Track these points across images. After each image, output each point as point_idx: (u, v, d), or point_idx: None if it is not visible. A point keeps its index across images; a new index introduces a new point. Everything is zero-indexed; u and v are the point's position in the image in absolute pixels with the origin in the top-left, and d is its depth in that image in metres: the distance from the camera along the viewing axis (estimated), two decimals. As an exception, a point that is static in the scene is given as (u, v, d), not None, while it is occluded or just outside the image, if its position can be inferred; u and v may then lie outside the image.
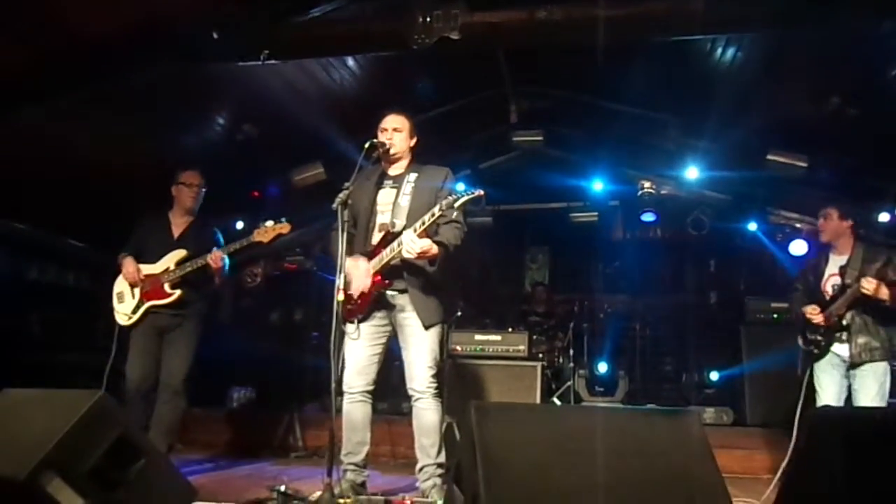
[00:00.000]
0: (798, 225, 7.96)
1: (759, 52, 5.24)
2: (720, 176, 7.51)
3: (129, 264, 4.41)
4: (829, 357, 4.33)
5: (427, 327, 3.68)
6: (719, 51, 5.31)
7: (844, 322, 4.22)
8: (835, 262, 4.40)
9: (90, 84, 4.88)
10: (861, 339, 4.18)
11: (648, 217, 8.23)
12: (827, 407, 4.16)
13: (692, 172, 7.33)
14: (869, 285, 4.02)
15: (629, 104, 6.56)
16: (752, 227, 7.96)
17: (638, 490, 2.17)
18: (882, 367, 4.17)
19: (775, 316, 6.50)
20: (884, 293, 4.02)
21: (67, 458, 2.39)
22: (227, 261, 4.43)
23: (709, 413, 6.30)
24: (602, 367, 7.22)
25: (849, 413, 2.10)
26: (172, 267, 4.38)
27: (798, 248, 7.59)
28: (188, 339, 4.43)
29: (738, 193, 7.91)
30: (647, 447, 2.29)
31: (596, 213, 8.37)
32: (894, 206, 4.17)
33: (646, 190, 7.95)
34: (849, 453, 1.71)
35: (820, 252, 4.56)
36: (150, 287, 4.37)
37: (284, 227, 4.27)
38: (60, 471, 2.35)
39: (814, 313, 4.31)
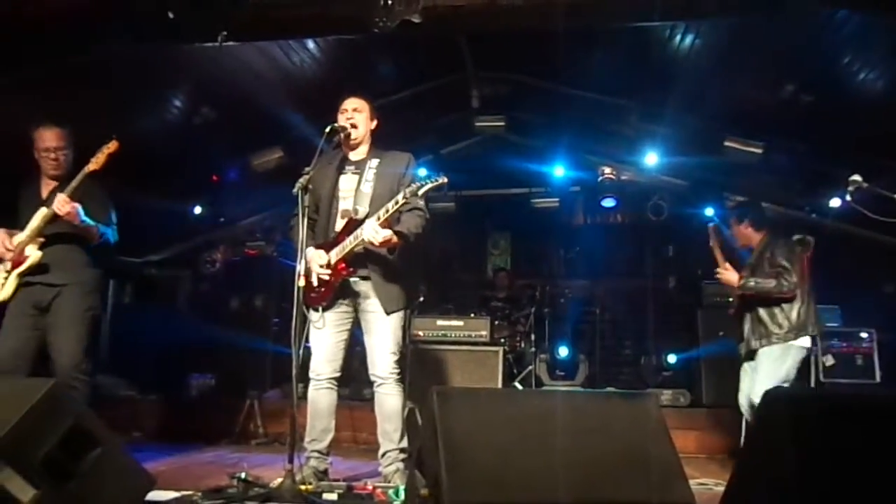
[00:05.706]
0: (753, 210, 8.13)
1: (716, 39, 5.31)
2: (678, 162, 7.62)
3: None
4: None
5: (389, 313, 3.67)
6: (678, 38, 5.37)
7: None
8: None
9: (41, 62, 4.72)
10: (754, 333, 4.39)
11: (609, 202, 8.33)
12: (778, 387, 4.26)
13: (651, 158, 7.42)
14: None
15: (590, 90, 6.60)
16: (709, 212, 8.10)
17: (597, 471, 2.21)
18: (777, 350, 4.27)
19: (731, 300, 6.60)
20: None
21: (19, 447, 2.32)
22: (80, 210, 3.80)
23: (666, 395, 6.39)
24: (563, 352, 7.28)
25: (795, 393, 2.12)
26: (35, 226, 3.86)
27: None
28: (71, 314, 3.84)
29: (696, 179, 8.04)
30: (606, 429, 2.33)
31: (557, 199, 8.43)
32: (845, 192, 4.24)
33: (606, 176, 8.05)
34: (797, 435, 1.72)
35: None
36: (17, 255, 3.87)
37: (112, 145, 3.86)
38: (11, 461, 2.28)
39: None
